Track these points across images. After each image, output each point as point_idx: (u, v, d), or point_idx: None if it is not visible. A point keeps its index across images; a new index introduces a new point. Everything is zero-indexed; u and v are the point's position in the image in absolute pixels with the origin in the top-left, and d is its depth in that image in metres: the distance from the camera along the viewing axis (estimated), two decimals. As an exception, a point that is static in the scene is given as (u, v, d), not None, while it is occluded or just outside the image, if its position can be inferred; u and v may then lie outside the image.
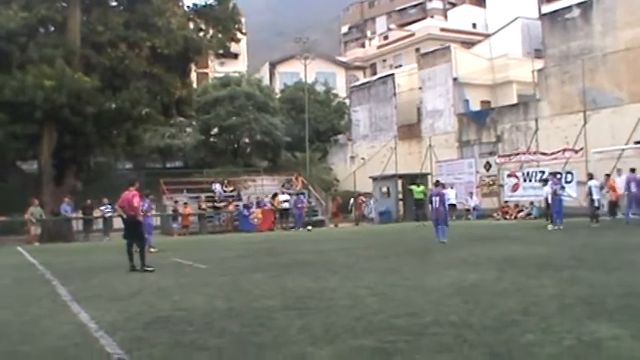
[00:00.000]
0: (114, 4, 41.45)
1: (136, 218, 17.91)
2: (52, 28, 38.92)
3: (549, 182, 29.02)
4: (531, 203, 37.99)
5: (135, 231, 17.86)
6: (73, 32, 37.10)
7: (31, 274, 17.90)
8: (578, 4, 39.41)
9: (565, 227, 26.75)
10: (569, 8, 40.03)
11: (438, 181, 26.54)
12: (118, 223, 37.06)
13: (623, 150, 33.66)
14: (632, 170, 29.03)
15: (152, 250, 24.08)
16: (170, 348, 7.80)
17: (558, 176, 32.16)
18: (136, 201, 17.83)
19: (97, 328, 9.05)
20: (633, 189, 28.05)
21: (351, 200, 47.71)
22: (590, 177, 29.15)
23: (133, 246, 17.77)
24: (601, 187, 29.46)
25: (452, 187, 38.76)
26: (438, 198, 23.51)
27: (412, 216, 39.26)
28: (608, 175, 29.66)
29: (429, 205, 26.75)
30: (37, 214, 34.70)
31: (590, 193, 28.56)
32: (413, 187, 38.79)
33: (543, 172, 35.71)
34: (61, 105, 34.89)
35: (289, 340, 7.86)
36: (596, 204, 28.52)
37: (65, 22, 37.43)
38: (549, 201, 28.19)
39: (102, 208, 37.11)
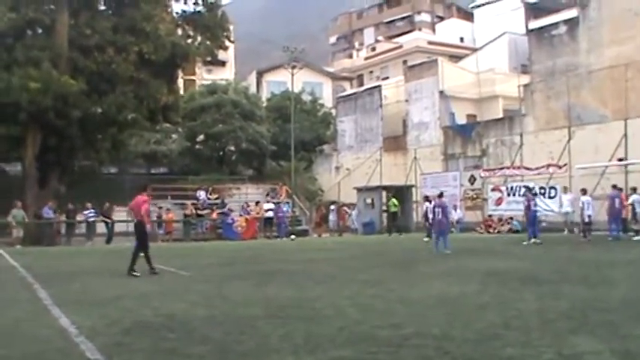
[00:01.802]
0: (102, 8, 41.40)
1: (142, 223, 17.77)
2: (40, 31, 38.81)
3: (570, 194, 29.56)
4: (511, 218, 38.16)
5: (138, 235, 17.79)
6: (60, 35, 36.99)
7: (12, 276, 17.81)
8: (565, 22, 39.75)
9: (548, 242, 26.92)
10: (555, 25, 40.35)
11: (441, 193, 26.65)
12: (101, 227, 37.16)
13: (607, 167, 33.88)
14: (614, 187, 29.26)
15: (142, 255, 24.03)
16: (150, 354, 7.77)
17: (534, 191, 32.46)
18: (145, 208, 17.73)
19: (78, 333, 8.99)
20: (617, 205, 28.25)
21: (332, 206, 47.58)
22: (584, 192, 29.34)
23: (147, 249, 17.76)
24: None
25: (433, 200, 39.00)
26: (440, 209, 23.72)
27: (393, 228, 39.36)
28: (620, 189, 29.70)
29: (430, 216, 27.25)
30: (20, 216, 34.50)
31: (582, 209, 28.76)
32: (390, 201, 39.33)
33: (527, 187, 35.88)
34: (47, 108, 34.78)
35: (270, 349, 7.85)
36: (587, 219, 28.70)
37: (53, 25, 37.32)
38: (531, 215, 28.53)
39: (85, 212, 36.94)
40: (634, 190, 29.56)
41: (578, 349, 7.44)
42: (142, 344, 8.28)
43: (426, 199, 35.93)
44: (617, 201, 28.31)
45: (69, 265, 21.53)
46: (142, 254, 17.52)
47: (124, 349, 8.06)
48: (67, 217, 37.98)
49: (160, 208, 40.29)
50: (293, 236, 38.15)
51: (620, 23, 35.84)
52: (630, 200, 28.80)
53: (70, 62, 36.89)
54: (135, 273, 16.88)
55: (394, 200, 39.60)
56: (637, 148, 33.27)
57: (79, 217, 37.83)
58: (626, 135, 34.26)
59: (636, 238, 28.08)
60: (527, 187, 33.31)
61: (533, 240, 27.15)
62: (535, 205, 28.97)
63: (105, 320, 10.08)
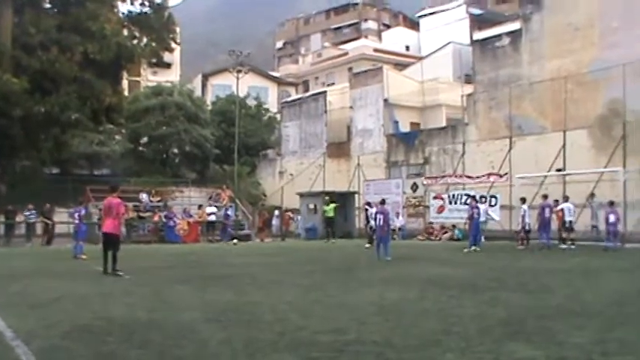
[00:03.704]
0: (47, 6, 40.85)
1: (118, 228, 17.72)
2: (-18, 28, 38.17)
3: (484, 204, 30.03)
4: (453, 226, 38.53)
5: (113, 240, 17.69)
6: (3, 33, 36.43)
7: (-53, 278, 17.44)
8: (508, 34, 40.29)
9: (487, 250, 27.35)
10: (499, 37, 40.88)
11: (383, 200, 26.76)
12: (41, 228, 36.50)
13: (546, 177, 34.48)
14: (545, 197, 29.87)
15: (83, 257, 23.86)
16: (89, 358, 7.71)
17: (479, 199, 32.96)
18: (122, 211, 17.69)
19: (14, 337, 8.87)
20: (547, 214, 28.78)
21: (276, 212, 47.54)
22: (523, 201, 29.84)
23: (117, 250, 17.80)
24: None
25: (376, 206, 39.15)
26: (382, 216, 23.80)
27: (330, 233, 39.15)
28: (556, 202, 30.33)
29: (372, 223, 27.30)
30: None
31: (523, 217, 29.26)
32: (327, 206, 39.18)
33: (469, 195, 36.32)
34: (-12, 106, 34.23)
35: (210, 353, 7.85)
36: (527, 227, 29.22)
37: (-4, 23, 36.77)
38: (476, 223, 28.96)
39: (26, 213, 36.31)
40: (566, 198, 30.17)
41: (515, 355, 7.59)
42: (80, 348, 8.19)
43: (368, 204, 36.18)
44: (547, 210, 28.87)
45: (7, 267, 21.17)
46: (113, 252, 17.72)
47: (61, 352, 7.99)
48: (6, 218, 37.29)
49: (101, 209, 39.78)
50: (235, 241, 37.93)
51: (561, 37, 36.49)
52: (560, 207, 29.39)
53: (13, 60, 36.34)
54: (118, 272, 17.19)
55: (333, 205, 39.57)
56: (575, 159, 33.95)
57: (19, 218, 37.19)
58: (564, 146, 34.89)
59: (563, 246, 28.68)
60: (469, 196, 33.79)
61: (473, 247, 27.53)
62: (478, 213, 29.36)
63: (43, 323, 9.96)
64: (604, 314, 10.64)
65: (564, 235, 29.72)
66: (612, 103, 33.86)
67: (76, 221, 26.51)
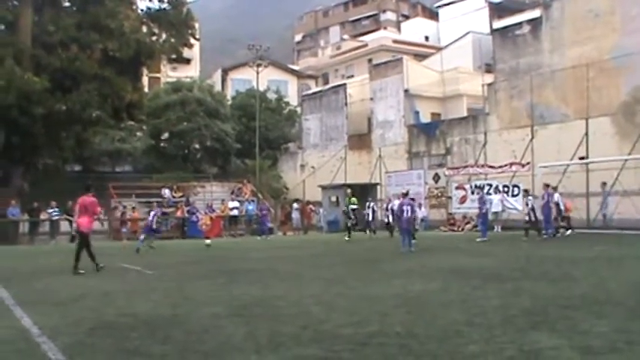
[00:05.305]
0: (66, 4, 41.04)
1: (90, 226, 17.74)
2: (3, 27, 38.43)
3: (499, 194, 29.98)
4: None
5: (85, 237, 17.78)
6: (23, 32, 36.62)
7: (-27, 276, 17.57)
8: (528, 21, 40.07)
9: (510, 239, 27.24)
10: (519, 25, 40.67)
11: (407, 192, 26.73)
12: (65, 226, 36.80)
13: (568, 165, 34.26)
14: (547, 186, 29.55)
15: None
16: (113, 354, 7.74)
17: (502, 188, 32.91)
18: (98, 208, 17.72)
19: (40, 333, 8.92)
20: (550, 204, 28.59)
21: (294, 205, 47.52)
22: (527, 192, 29.88)
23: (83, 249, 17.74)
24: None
25: (399, 198, 39.05)
26: (409, 207, 23.78)
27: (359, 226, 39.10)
28: (554, 188, 30.20)
29: (397, 215, 27.25)
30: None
31: (532, 208, 29.07)
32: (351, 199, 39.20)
33: (491, 185, 36.22)
34: (10, 105, 34.39)
35: (234, 348, 7.85)
36: (532, 218, 29.11)
37: (16, 22, 36.95)
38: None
39: (49, 210, 36.56)
40: (554, 188, 29.89)
41: (538, 345, 7.54)
42: (104, 344, 8.24)
43: (371, 200, 36.42)
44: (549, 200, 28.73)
45: (32, 265, 21.33)
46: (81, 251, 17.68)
47: (86, 349, 8.02)
48: (30, 216, 37.57)
49: (125, 207, 40.01)
50: (208, 241, 34.85)
51: (581, 24, 36.23)
52: (556, 198, 29.22)
53: (34, 59, 36.51)
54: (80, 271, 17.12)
55: (355, 199, 39.47)
56: (598, 147, 33.70)
57: (43, 216, 37.45)
58: (587, 134, 34.66)
59: (558, 235, 28.61)
60: (477, 187, 34.00)
61: (482, 239, 27.51)
62: (484, 204, 29.32)
63: (67, 320, 10.02)
64: (628, 303, 10.55)
65: (561, 223, 29.69)
66: (635, 90, 33.62)
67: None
